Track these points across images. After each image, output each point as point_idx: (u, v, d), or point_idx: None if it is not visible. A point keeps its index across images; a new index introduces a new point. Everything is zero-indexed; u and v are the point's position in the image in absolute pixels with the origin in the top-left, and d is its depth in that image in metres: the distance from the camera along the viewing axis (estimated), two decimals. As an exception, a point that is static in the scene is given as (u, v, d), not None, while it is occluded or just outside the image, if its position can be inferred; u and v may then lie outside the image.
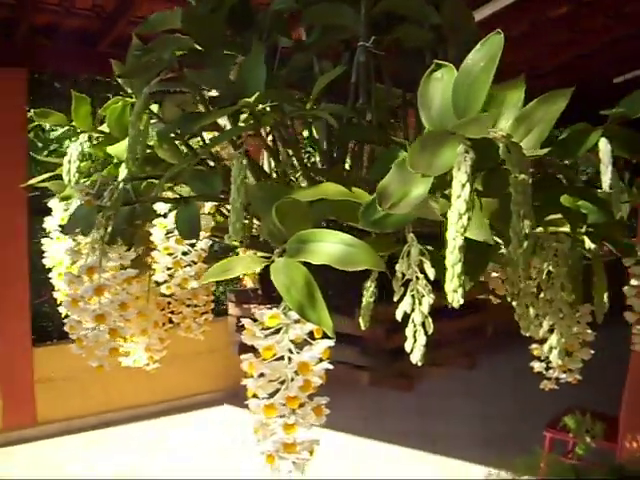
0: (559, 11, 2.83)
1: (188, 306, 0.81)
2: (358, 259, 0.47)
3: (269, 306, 0.83)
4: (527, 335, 0.61)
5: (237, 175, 0.54)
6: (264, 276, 0.81)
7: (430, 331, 0.49)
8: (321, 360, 0.50)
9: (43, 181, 0.74)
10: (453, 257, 0.38)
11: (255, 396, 0.50)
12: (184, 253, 0.71)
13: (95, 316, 0.58)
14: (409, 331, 0.50)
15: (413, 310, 0.50)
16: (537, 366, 0.68)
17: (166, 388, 3.42)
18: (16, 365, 2.90)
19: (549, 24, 2.93)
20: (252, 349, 0.86)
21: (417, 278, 0.49)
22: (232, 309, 0.88)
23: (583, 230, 0.64)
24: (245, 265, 0.50)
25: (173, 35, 0.60)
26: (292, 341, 0.50)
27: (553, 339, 0.59)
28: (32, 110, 0.70)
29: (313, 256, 0.48)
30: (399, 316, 0.50)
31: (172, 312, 0.82)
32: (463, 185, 0.35)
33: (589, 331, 0.69)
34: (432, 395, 3.55)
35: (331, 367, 0.51)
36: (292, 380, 0.49)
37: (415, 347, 0.49)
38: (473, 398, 3.65)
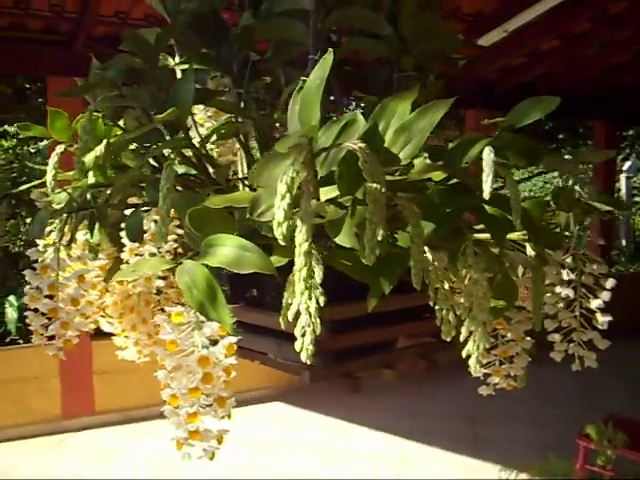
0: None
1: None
2: (249, 262, 0.51)
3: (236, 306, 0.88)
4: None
5: (164, 184, 0.59)
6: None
7: (317, 332, 0.52)
8: (226, 356, 0.54)
9: (29, 189, 0.82)
10: (299, 262, 0.41)
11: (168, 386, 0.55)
12: (152, 254, 0.77)
13: (49, 309, 0.65)
14: (297, 331, 0.52)
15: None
16: (474, 370, 0.69)
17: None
18: (75, 357, 3.10)
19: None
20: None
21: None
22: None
23: (515, 236, 0.65)
24: (152, 266, 0.55)
25: (121, 54, 0.66)
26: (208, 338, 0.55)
27: (470, 345, 0.60)
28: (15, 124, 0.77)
29: (212, 259, 0.52)
30: (290, 317, 0.53)
31: (162, 310, 0.88)
32: (282, 196, 0.38)
33: (528, 338, 0.69)
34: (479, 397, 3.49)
35: (234, 362, 0.55)
36: (195, 373, 0.53)
37: (303, 347, 0.52)
38: (521, 402, 3.55)
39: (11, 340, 3.80)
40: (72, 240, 0.69)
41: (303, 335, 0.51)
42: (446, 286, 0.62)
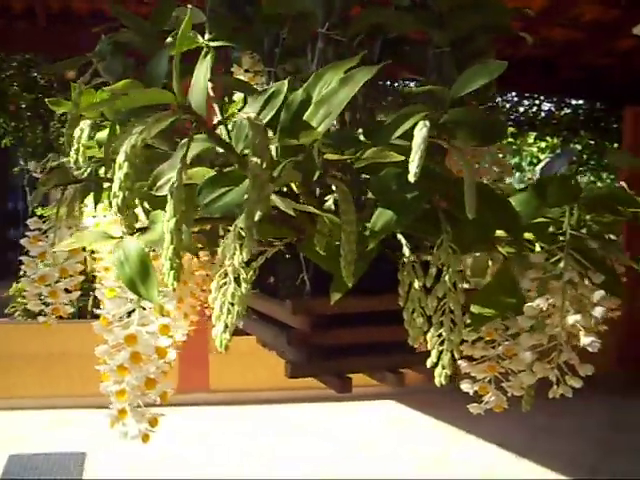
0: None
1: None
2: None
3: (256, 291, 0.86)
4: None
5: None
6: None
7: (232, 320, 0.48)
8: (158, 337, 0.52)
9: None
10: (166, 239, 0.38)
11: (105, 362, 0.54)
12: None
13: (39, 276, 0.67)
14: (214, 317, 0.49)
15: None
16: (465, 387, 0.60)
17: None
18: (193, 336, 3.28)
19: None
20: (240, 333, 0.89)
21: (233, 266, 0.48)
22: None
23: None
24: (92, 239, 0.54)
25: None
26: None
27: (434, 354, 0.52)
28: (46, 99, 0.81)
29: (147, 235, 0.51)
30: (211, 303, 0.49)
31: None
32: (120, 166, 0.35)
33: (528, 353, 0.58)
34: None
35: (167, 343, 0.53)
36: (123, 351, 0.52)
37: (221, 339, 0.48)
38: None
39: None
40: (71, 211, 0.71)
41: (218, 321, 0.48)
42: (417, 285, 0.54)
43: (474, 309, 0.56)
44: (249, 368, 3.32)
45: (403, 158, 0.47)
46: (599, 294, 0.46)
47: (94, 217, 0.69)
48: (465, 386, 0.60)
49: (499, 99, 4.70)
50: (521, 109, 5.17)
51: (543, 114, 5.27)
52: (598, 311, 0.47)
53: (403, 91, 0.86)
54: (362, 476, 2.73)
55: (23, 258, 0.68)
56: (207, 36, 0.83)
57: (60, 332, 3.26)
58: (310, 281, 0.67)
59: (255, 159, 0.37)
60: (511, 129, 5.02)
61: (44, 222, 0.70)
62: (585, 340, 0.45)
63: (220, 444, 2.98)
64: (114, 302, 0.53)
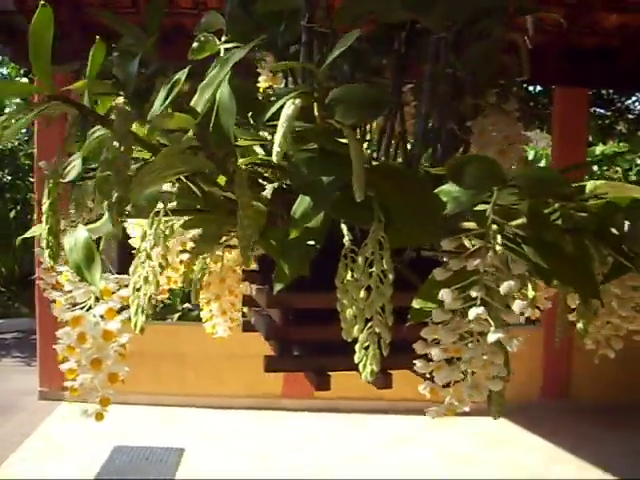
0: None
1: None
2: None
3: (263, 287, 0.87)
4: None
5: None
6: (262, 257, 0.84)
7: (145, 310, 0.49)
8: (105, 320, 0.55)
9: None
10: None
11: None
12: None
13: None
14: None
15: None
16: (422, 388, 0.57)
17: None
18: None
19: None
20: (254, 329, 0.91)
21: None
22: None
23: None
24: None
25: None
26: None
27: (359, 351, 0.50)
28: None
29: (92, 225, 0.54)
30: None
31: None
32: None
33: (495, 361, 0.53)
34: None
35: (114, 327, 0.55)
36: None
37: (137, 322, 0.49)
38: None
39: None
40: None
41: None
42: (349, 276, 0.52)
43: (415, 303, 0.53)
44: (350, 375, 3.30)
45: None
46: (508, 284, 0.41)
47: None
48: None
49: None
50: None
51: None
52: (517, 305, 0.42)
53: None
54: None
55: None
56: (224, 38, 0.86)
57: (175, 333, 3.50)
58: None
59: (115, 143, 0.39)
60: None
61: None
62: (491, 337, 0.42)
63: (321, 448, 3.01)
64: (68, 286, 0.57)
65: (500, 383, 0.49)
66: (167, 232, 0.50)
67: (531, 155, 4.99)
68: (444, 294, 0.43)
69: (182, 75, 0.46)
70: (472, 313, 0.41)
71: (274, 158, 0.39)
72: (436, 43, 0.73)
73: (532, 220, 0.49)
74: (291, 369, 0.69)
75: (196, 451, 2.86)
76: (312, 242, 0.53)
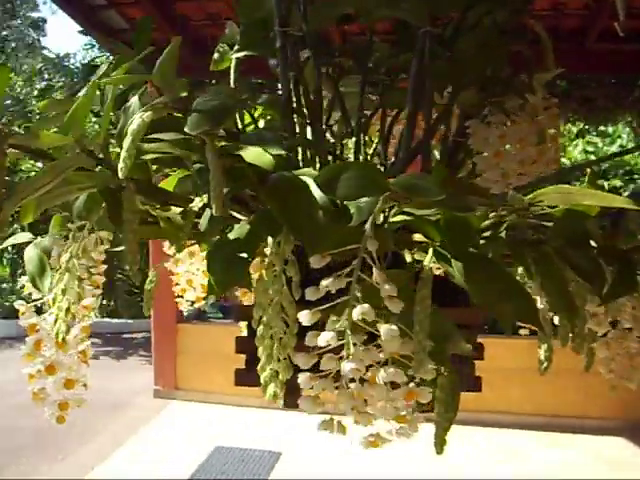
0: None
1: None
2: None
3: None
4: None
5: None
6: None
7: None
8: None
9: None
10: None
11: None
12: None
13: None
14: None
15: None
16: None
17: (545, 402, 3.26)
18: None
19: None
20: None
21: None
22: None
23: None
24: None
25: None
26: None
27: (263, 357, 0.48)
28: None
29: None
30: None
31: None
32: None
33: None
34: None
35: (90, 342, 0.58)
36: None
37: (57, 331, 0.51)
38: None
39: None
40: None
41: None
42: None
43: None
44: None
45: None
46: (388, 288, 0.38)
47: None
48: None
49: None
50: None
51: None
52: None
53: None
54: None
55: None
56: (236, 47, 0.87)
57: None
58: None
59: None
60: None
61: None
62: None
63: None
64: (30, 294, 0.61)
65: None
66: (86, 245, 0.51)
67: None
68: (302, 316, 0.40)
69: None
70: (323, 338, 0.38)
71: (120, 174, 0.39)
72: (422, 37, 0.69)
73: (451, 234, 0.45)
74: (256, 385, 0.67)
75: (287, 455, 2.87)
76: (243, 254, 0.52)
